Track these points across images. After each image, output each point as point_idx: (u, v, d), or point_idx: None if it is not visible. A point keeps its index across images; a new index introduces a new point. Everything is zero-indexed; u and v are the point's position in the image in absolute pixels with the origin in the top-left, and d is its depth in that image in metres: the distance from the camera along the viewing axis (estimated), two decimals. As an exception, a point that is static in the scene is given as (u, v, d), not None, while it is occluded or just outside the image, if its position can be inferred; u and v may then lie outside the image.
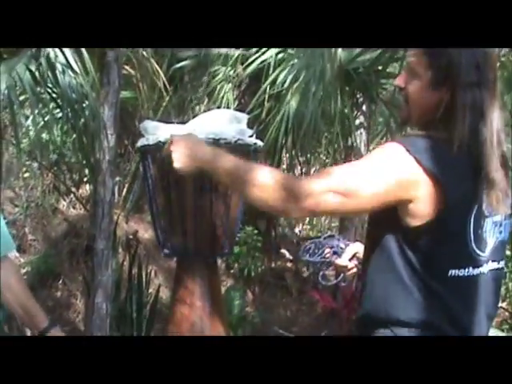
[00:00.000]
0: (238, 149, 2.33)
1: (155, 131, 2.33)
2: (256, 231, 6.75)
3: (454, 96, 1.88)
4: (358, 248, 2.27)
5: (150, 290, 5.82)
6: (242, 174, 1.91)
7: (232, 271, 7.12)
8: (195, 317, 2.36)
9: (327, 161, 8.20)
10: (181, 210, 2.32)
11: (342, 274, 2.25)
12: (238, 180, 1.93)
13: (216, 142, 2.28)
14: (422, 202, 1.84)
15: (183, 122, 2.50)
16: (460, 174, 1.87)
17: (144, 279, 5.56)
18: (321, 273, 2.25)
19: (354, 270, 2.25)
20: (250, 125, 2.49)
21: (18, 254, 7.44)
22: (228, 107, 6.60)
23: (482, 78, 1.88)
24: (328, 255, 2.25)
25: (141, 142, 2.39)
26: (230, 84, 6.76)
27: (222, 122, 2.37)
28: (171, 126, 2.42)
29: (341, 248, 2.24)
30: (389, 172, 1.84)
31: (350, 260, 2.25)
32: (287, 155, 7.53)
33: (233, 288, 6.22)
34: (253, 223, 6.86)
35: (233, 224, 2.28)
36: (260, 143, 2.43)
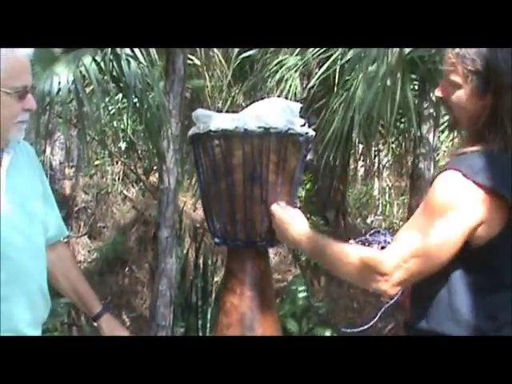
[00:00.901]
0: (289, 138, 2.33)
1: (206, 120, 2.35)
2: (323, 221, 6.73)
3: (499, 100, 1.84)
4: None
5: (216, 279, 5.87)
6: (328, 259, 2.04)
7: (299, 261, 7.13)
8: (245, 307, 2.37)
9: (398, 150, 8.10)
10: (231, 199, 2.33)
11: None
12: (325, 262, 2.09)
13: (266, 131, 2.28)
14: (488, 224, 1.83)
15: (236, 111, 2.52)
16: None
17: (210, 268, 5.61)
18: None
19: None
20: (308, 115, 2.51)
21: (88, 241, 7.65)
22: (296, 96, 6.61)
23: None
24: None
25: (192, 131, 2.41)
26: (298, 73, 6.76)
27: (274, 111, 2.36)
28: (223, 114, 2.43)
29: (388, 243, 2.22)
30: (456, 211, 1.81)
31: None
32: (358, 145, 7.48)
33: (298, 278, 6.22)
34: (320, 213, 6.85)
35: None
36: (312, 133, 2.42)
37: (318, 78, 6.38)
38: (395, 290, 1.89)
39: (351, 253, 1.96)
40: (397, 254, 1.86)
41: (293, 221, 2.23)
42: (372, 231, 2.30)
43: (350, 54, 5.94)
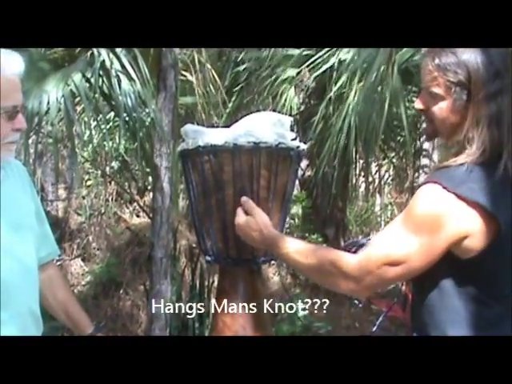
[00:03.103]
0: (280, 153, 2.35)
1: (195, 135, 2.37)
2: (321, 239, 6.74)
3: (481, 110, 1.86)
4: None
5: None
6: (303, 263, 2.08)
7: (298, 280, 7.12)
8: (237, 326, 2.38)
9: (399, 164, 8.11)
10: (221, 215, 2.35)
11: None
12: (298, 267, 2.13)
13: (256, 146, 2.30)
14: (475, 236, 1.84)
15: (227, 126, 2.54)
16: (504, 193, 1.86)
17: (206, 289, 5.60)
18: None
19: None
20: (299, 128, 2.52)
21: (82, 263, 7.65)
22: (291, 109, 6.64)
23: (504, 84, 1.86)
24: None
25: (181, 147, 2.43)
26: (294, 86, 6.79)
27: (265, 125, 2.38)
28: (213, 129, 2.46)
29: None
30: (435, 223, 1.84)
31: None
32: (358, 159, 7.49)
33: (298, 297, 6.22)
34: (319, 231, 6.86)
35: (276, 229, 2.30)
36: (303, 146, 2.43)
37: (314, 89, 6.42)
38: (366, 294, 1.98)
39: (324, 258, 2.02)
40: (370, 259, 1.92)
41: (265, 222, 2.25)
42: (367, 238, 2.33)
43: (345, 65, 5.99)
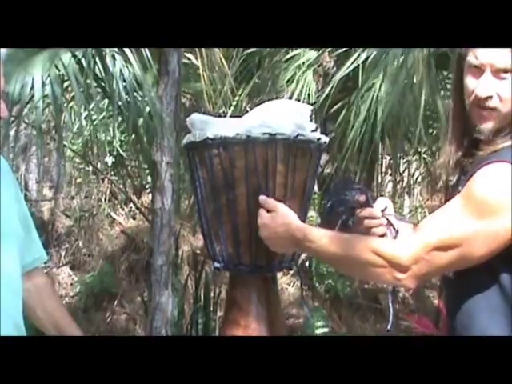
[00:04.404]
0: (299, 146, 2.36)
1: (203, 126, 2.38)
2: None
3: None
4: (387, 203, 2.33)
5: (220, 314, 5.88)
6: (339, 254, 2.08)
7: (316, 293, 7.14)
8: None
9: (431, 161, 8.10)
10: (233, 216, 2.36)
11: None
12: (334, 260, 2.17)
13: (272, 138, 2.31)
14: None
15: (238, 116, 2.55)
16: None
17: (212, 301, 5.63)
18: (346, 213, 2.29)
19: (384, 224, 2.28)
20: (323, 120, 2.54)
21: (71, 272, 7.69)
22: (309, 97, 6.65)
23: None
24: (362, 200, 2.30)
25: (187, 139, 2.43)
26: (312, 70, 6.80)
27: (281, 114, 2.39)
28: (223, 120, 2.47)
29: (371, 197, 2.30)
30: (503, 207, 1.87)
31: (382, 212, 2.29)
32: (384, 155, 7.49)
33: (316, 311, 6.24)
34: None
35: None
36: (325, 139, 2.44)
37: (337, 77, 6.42)
38: (414, 283, 1.98)
39: (363, 246, 2.04)
40: (419, 244, 1.94)
41: (291, 215, 2.26)
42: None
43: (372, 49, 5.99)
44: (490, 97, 2.00)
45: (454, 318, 2.05)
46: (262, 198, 2.30)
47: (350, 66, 6.19)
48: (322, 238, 2.13)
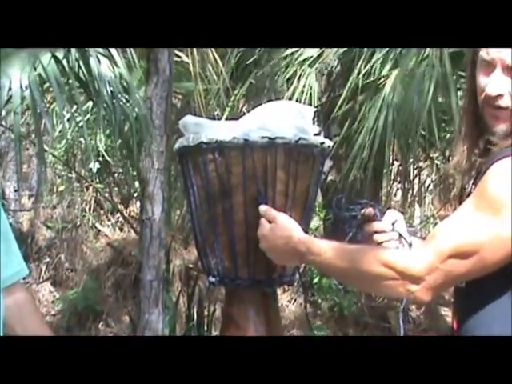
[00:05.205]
0: (300, 150, 2.37)
1: (197, 129, 2.39)
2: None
3: None
4: (397, 215, 2.32)
5: (215, 333, 5.88)
6: (346, 268, 2.08)
7: (319, 310, 7.15)
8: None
9: (444, 167, 8.12)
10: (229, 226, 2.37)
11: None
12: (340, 274, 2.17)
13: (272, 142, 2.32)
14: None
15: (234, 118, 2.57)
16: None
17: (206, 320, 5.64)
18: (353, 230, 2.29)
19: (395, 238, 2.26)
20: (328, 123, 2.55)
21: (52, 288, 7.69)
22: (311, 98, 6.66)
23: None
24: (368, 212, 2.29)
25: (179, 143, 2.44)
26: (314, 69, 6.82)
27: (281, 116, 2.41)
28: (218, 122, 2.49)
29: (379, 210, 2.29)
30: None
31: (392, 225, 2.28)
32: (393, 160, 7.50)
33: (319, 330, 6.25)
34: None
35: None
36: (329, 143, 2.45)
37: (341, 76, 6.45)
38: (429, 296, 1.95)
39: (372, 258, 2.03)
40: (433, 253, 1.93)
41: (292, 226, 2.26)
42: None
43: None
44: (501, 95, 2.00)
45: (466, 327, 2.06)
46: (263, 208, 2.30)
47: (358, 69, 6.22)
48: (327, 250, 2.12)
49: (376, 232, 2.27)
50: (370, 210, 2.29)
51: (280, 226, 2.25)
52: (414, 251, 2.01)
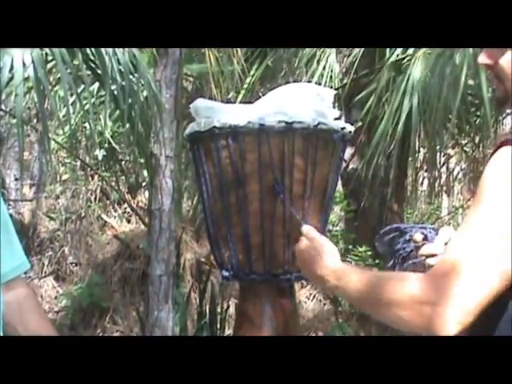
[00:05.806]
0: (319, 136, 2.37)
1: (209, 113, 2.39)
2: (371, 252, 6.74)
3: None
4: (449, 233, 2.25)
5: (228, 332, 5.88)
6: (372, 296, 1.97)
7: (340, 307, 7.15)
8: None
9: (474, 154, 8.10)
10: (243, 217, 2.37)
11: None
12: (367, 302, 2.02)
13: (289, 127, 2.32)
14: None
15: (249, 102, 2.57)
16: None
17: (219, 317, 5.64)
18: (409, 261, 2.24)
19: None
20: (341, 106, 2.54)
21: (55, 283, 7.71)
22: (332, 80, 6.65)
23: None
24: (419, 239, 2.23)
25: (190, 129, 2.45)
26: (335, 49, 6.81)
27: (299, 100, 2.41)
28: (232, 106, 2.49)
29: (430, 231, 2.23)
30: None
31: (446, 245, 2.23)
32: (419, 147, 7.48)
33: (340, 328, 6.24)
34: (367, 242, 6.85)
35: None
36: (350, 128, 2.45)
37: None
38: (451, 324, 1.80)
39: (398, 286, 1.99)
40: (445, 272, 1.85)
41: (325, 250, 2.18)
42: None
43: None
44: (488, 65, 2.01)
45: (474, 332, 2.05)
46: (307, 228, 2.22)
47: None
48: (352, 274, 2.06)
49: (427, 256, 2.20)
50: (418, 235, 2.24)
51: (315, 246, 2.18)
52: (429, 271, 1.93)
